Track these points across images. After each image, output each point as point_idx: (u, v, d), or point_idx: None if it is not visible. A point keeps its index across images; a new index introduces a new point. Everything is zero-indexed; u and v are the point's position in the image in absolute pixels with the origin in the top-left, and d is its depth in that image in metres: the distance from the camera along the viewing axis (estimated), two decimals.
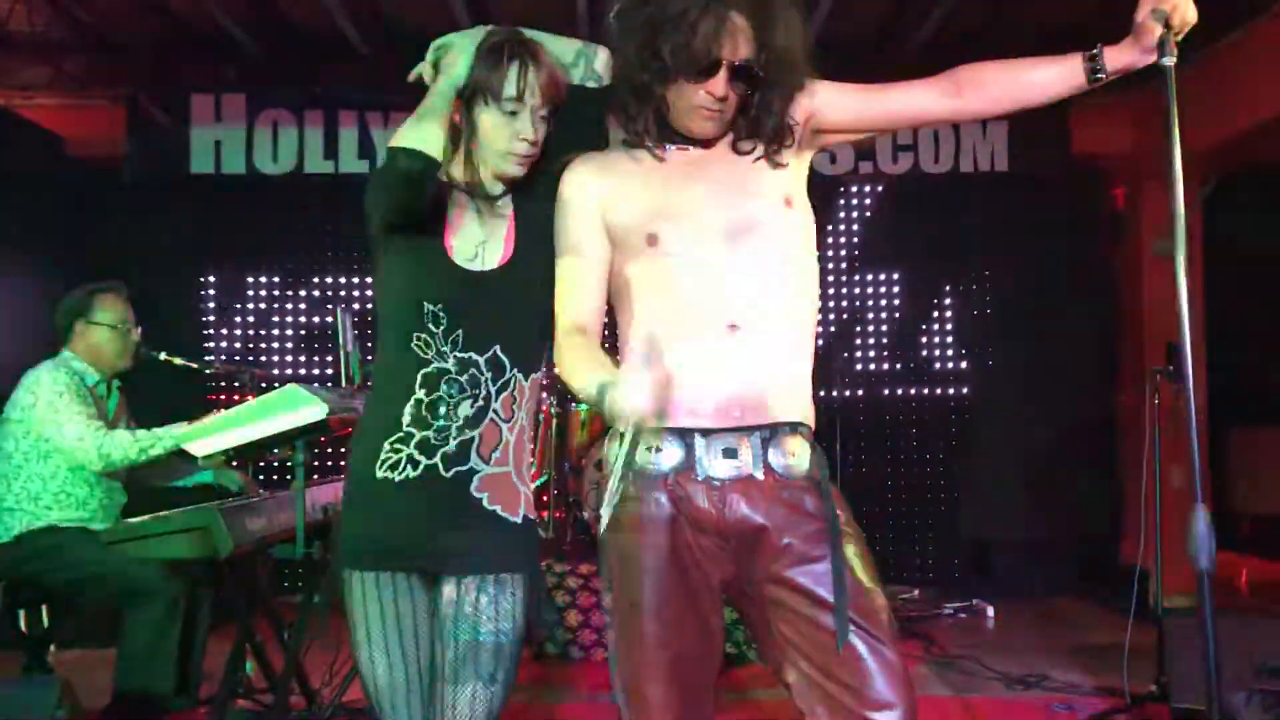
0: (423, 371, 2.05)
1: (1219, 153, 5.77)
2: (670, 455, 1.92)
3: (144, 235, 6.74)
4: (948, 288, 7.23)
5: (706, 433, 1.90)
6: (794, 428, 1.95)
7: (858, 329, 7.32)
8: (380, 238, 2.11)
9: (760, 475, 1.91)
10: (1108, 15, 5.56)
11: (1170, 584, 4.74)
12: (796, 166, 2.05)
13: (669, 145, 2.04)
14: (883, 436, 7.29)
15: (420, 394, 2.05)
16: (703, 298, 1.93)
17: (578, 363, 1.96)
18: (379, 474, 2.07)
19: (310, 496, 3.60)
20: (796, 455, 1.93)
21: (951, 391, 7.23)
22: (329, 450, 6.67)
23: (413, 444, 2.05)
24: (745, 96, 1.97)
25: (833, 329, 7.30)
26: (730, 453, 1.90)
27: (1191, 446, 1.90)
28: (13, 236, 5.93)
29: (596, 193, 2.05)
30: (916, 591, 6.74)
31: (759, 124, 2.00)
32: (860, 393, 7.30)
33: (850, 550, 1.89)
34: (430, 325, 2.05)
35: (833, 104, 2.07)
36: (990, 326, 7.16)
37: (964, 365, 7.18)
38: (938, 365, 7.23)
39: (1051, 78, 2.01)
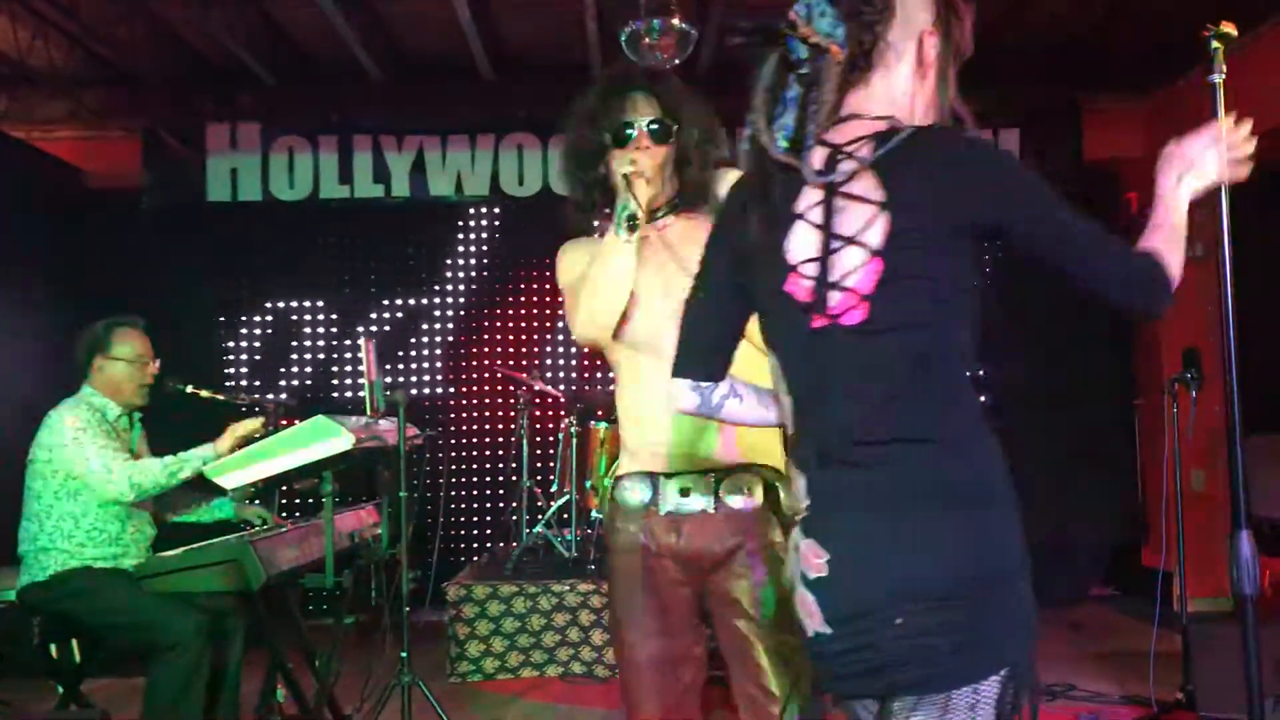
0: None
1: None
2: (640, 493, 2.29)
3: (162, 264, 6.80)
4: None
5: (669, 475, 2.27)
6: (748, 468, 2.26)
7: None
8: None
9: (713, 510, 2.25)
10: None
11: (1193, 588, 4.75)
12: None
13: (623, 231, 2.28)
14: None
15: None
16: (663, 378, 2.12)
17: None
18: None
19: (337, 525, 3.65)
20: (747, 492, 2.26)
21: None
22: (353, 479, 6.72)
23: None
24: (669, 157, 2.31)
25: None
26: (685, 491, 2.26)
27: (1237, 470, 1.94)
28: (33, 267, 6.01)
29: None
30: None
31: (689, 173, 2.32)
32: None
33: (776, 574, 2.19)
34: None
35: None
36: (1007, 333, 7.17)
37: (981, 373, 7.19)
38: None
39: None
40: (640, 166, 2.24)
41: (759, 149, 1.63)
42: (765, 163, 1.63)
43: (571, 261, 2.41)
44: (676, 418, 2.19)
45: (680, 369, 1.78)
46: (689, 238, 2.29)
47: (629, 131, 2.30)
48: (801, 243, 1.60)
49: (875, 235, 1.54)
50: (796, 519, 1.64)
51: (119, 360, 3.86)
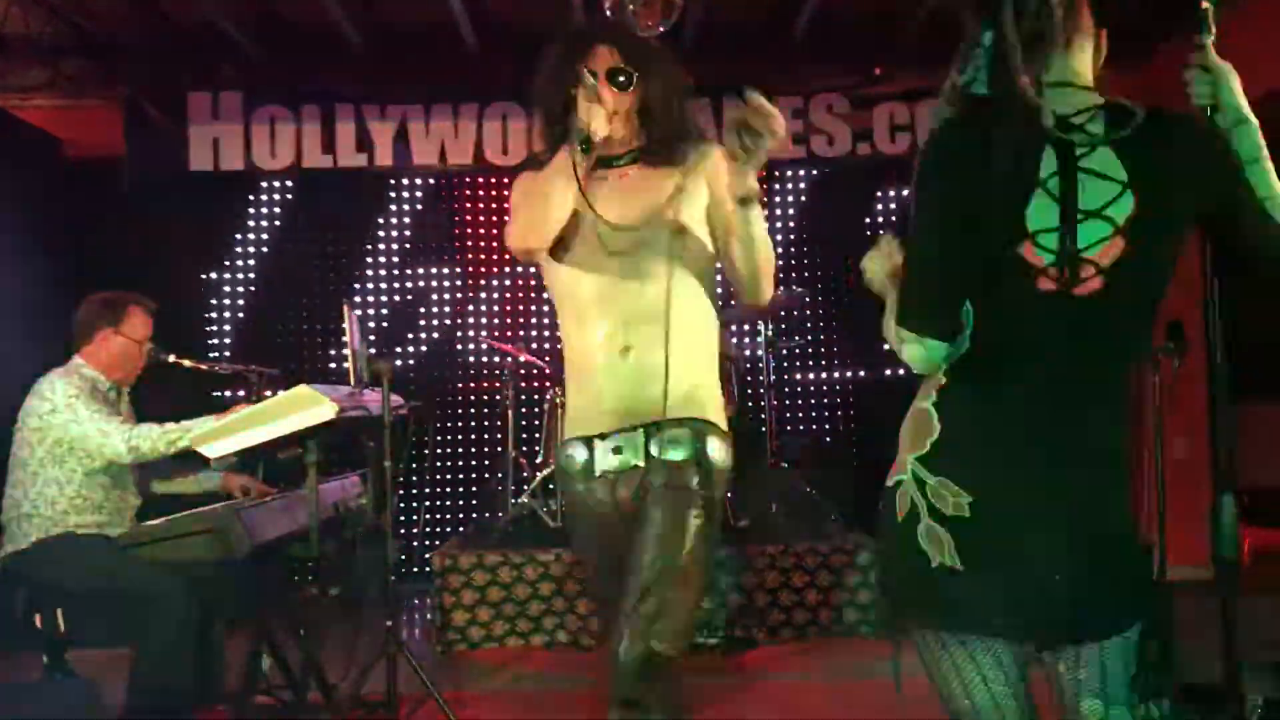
0: None
1: None
2: (579, 457, 2.39)
3: (144, 234, 6.75)
4: None
5: (604, 436, 2.36)
6: (680, 422, 2.33)
7: (851, 308, 7.35)
8: None
9: (643, 463, 2.33)
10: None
11: (1174, 557, 4.78)
12: (697, 202, 2.38)
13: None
14: (887, 418, 7.31)
15: None
16: (600, 321, 2.34)
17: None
18: None
19: (322, 495, 3.65)
20: (675, 444, 2.31)
21: None
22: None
23: None
24: (632, 105, 2.37)
25: (834, 309, 7.36)
26: (618, 450, 2.35)
27: (1220, 435, 1.95)
28: (12, 238, 5.95)
29: None
30: None
31: (654, 125, 2.39)
32: (862, 374, 7.34)
33: (693, 514, 2.26)
34: None
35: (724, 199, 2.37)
36: None
37: None
38: None
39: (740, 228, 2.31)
40: (601, 97, 2.31)
41: (1010, 92, 1.66)
42: (1013, 107, 1.65)
43: (523, 182, 2.48)
44: (612, 377, 2.32)
45: (930, 327, 1.73)
46: (644, 188, 2.40)
47: (591, 80, 2.34)
48: (1041, 210, 1.66)
49: (1120, 213, 1.63)
50: (915, 457, 1.72)
51: (128, 338, 3.83)
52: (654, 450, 2.31)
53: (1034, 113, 1.64)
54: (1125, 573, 1.69)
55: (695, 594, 2.25)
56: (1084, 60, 1.75)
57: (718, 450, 2.35)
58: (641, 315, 2.32)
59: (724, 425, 2.40)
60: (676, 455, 2.31)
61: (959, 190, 1.69)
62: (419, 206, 7.26)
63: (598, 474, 2.37)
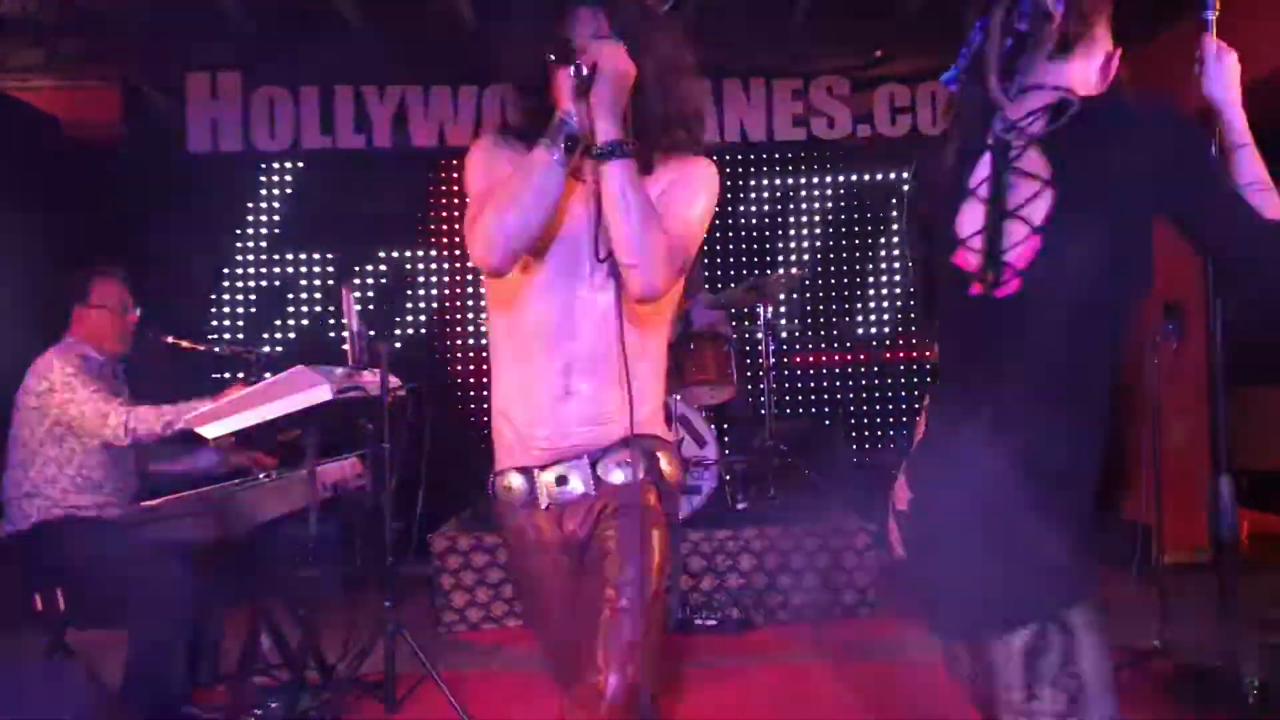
0: None
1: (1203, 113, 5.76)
2: (518, 490, 2.12)
3: (143, 215, 6.74)
4: None
5: (544, 466, 2.09)
6: (626, 442, 2.06)
7: (852, 291, 7.34)
8: None
9: (593, 491, 2.09)
10: None
11: (1171, 540, 4.79)
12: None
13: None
14: (884, 400, 7.33)
15: None
16: (542, 359, 2.06)
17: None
18: None
19: (321, 476, 3.65)
20: (626, 466, 2.07)
21: None
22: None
23: None
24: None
25: (833, 293, 7.36)
26: (562, 480, 2.09)
27: (1219, 418, 1.95)
28: (11, 219, 5.94)
29: None
30: None
31: (645, 114, 1.99)
32: (862, 356, 7.34)
33: (656, 534, 2.05)
34: None
35: None
36: None
37: None
38: None
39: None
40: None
41: (975, 94, 1.67)
42: (972, 110, 1.68)
43: (489, 164, 2.08)
44: (551, 417, 2.06)
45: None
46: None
47: (572, 48, 1.93)
48: (971, 217, 1.68)
49: (1037, 212, 1.60)
50: (907, 456, 1.78)
51: (99, 308, 3.85)
52: (603, 474, 2.07)
53: (989, 116, 1.65)
54: (1028, 574, 1.63)
55: (663, 620, 2.06)
56: (1082, 70, 1.69)
57: (670, 466, 2.13)
58: (588, 355, 2.05)
59: (670, 438, 2.18)
60: (630, 476, 2.06)
61: (923, 209, 1.77)
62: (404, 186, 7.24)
63: (543, 505, 2.11)
